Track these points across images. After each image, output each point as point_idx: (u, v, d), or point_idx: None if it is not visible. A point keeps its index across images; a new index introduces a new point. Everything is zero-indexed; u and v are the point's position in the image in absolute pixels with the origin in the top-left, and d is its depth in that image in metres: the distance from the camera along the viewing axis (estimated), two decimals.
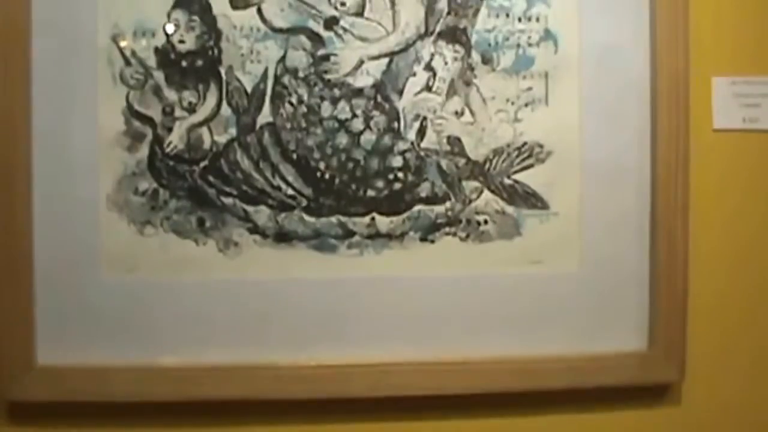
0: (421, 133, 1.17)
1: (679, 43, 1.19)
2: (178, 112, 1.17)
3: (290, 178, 1.17)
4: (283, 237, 1.17)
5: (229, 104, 1.16)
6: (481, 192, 1.18)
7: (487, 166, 1.18)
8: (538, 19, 1.18)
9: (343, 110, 1.17)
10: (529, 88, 1.18)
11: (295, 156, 1.17)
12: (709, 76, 1.22)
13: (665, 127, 1.19)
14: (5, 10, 1.14)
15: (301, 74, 1.17)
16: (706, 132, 1.22)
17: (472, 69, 1.18)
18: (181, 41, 1.16)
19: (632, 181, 1.20)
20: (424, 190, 1.18)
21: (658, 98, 1.19)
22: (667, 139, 1.19)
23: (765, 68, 1.23)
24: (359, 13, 1.17)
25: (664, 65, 1.19)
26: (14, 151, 1.15)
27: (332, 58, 1.17)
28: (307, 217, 1.17)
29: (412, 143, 1.17)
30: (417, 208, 1.18)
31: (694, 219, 1.20)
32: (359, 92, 1.17)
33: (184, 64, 1.17)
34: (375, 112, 1.17)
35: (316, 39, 1.17)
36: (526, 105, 1.18)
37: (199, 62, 1.17)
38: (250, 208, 1.17)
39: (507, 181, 1.18)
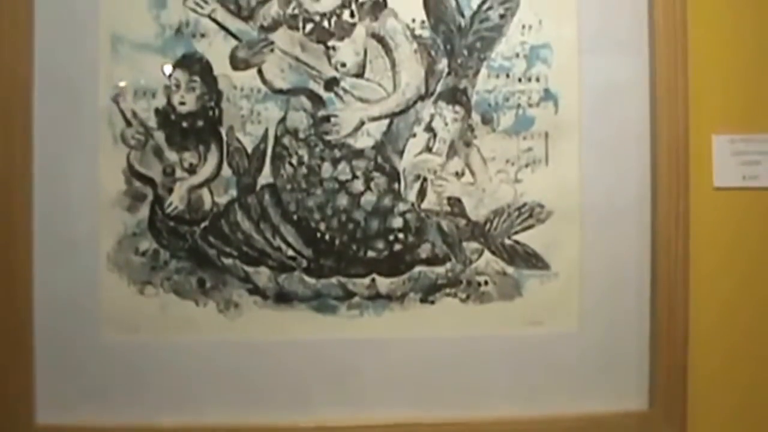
0: (422, 194, 1.17)
1: (678, 102, 1.19)
2: (178, 173, 1.17)
3: (291, 239, 1.17)
4: (283, 298, 1.17)
5: (230, 165, 1.17)
6: (482, 253, 1.18)
7: (487, 226, 1.18)
8: (538, 79, 1.19)
9: (344, 171, 1.17)
10: (530, 149, 1.18)
11: (295, 217, 1.17)
12: (709, 134, 1.22)
13: (666, 186, 1.19)
14: (8, 70, 1.15)
15: (301, 135, 1.17)
16: (706, 190, 1.22)
17: (472, 130, 1.18)
18: (182, 102, 1.17)
19: (632, 240, 1.20)
20: (424, 251, 1.18)
21: (658, 157, 1.19)
22: (668, 197, 1.19)
23: (764, 126, 1.23)
24: (360, 74, 1.17)
25: (664, 124, 1.19)
26: (15, 209, 1.16)
27: (333, 119, 1.17)
28: (307, 278, 1.17)
29: (412, 204, 1.17)
30: (417, 269, 1.18)
31: (694, 278, 1.20)
32: (360, 153, 1.17)
33: (184, 124, 1.17)
34: (375, 173, 1.17)
35: (316, 100, 1.17)
36: (527, 165, 1.18)
37: (200, 123, 1.17)
38: (250, 269, 1.17)
39: (507, 242, 1.18)
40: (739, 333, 1.22)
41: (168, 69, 1.17)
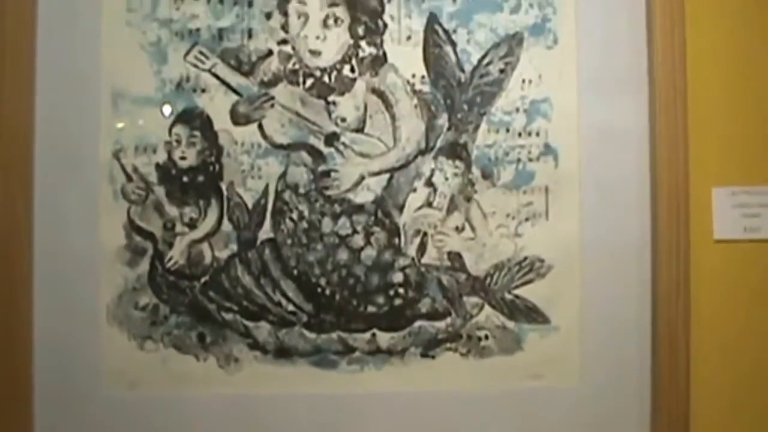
0: (422, 248, 1.17)
1: (679, 155, 1.19)
2: (179, 228, 1.17)
3: (291, 294, 1.17)
4: (283, 353, 1.17)
5: (230, 220, 1.17)
6: (482, 307, 1.18)
7: (487, 281, 1.18)
8: (538, 134, 1.19)
9: (344, 226, 1.17)
10: (530, 203, 1.18)
11: (295, 272, 1.17)
12: (709, 186, 1.22)
13: (666, 239, 1.19)
14: (9, 124, 1.15)
15: (301, 190, 1.17)
16: (707, 243, 1.21)
17: (472, 184, 1.18)
18: (183, 157, 1.17)
19: (633, 294, 1.19)
20: (424, 305, 1.18)
21: (658, 211, 1.19)
22: (668, 250, 1.19)
23: (765, 178, 1.22)
24: (360, 129, 1.17)
25: (664, 177, 1.19)
26: (16, 264, 1.16)
27: (333, 174, 1.17)
28: (307, 333, 1.17)
29: (412, 259, 1.17)
30: (418, 323, 1.17)
31: (695, 332, 1.19)
32: (360, 208, 1.17)
33: (185, 179, 1.17)
34: (376, 228, 1.17)
35: (316, 155, 1.17)
36: (527, 220, 1.18)
37: (200, 178, 1.17)
38: (250, 324, 1.17)
39: (508, 296, 1.18)
40: (741, 386, 1.22)
41: (167, 110, 1.17)
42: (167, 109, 1.17)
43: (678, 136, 1.20)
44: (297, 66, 1.17)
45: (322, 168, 1.17)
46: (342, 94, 1.17)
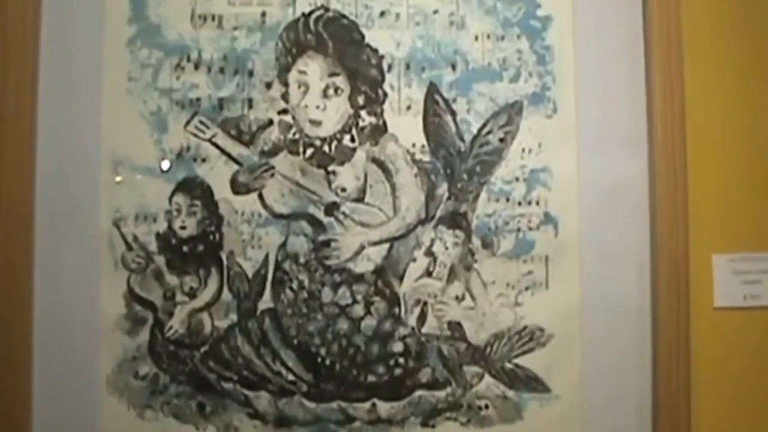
0: (422, 318, 1.17)
1: (679, 222, 1.20)
2: (179, 297, 1.17)
3: (291, 364, 1.17)
4: (283, 422, 1.17)
5: (230, 289, 1.17)
6: (482, 377, 1.18)
7: (487, 350, 1.18)
8: (538, 203, 1.19)
9: (344, 296, 1.17)
10: (530, 272, 1.19)
11: (295, 341, 1.17)
12: (709, 253, 1.22)
13: (666, 307, 1.19)
14: (9, 192, 1.16)
15: (302, 260, 1.17)
16: (706, 310, 1.21)
17: (472, 254, 1.18)
18: (183, 227, 1.17)
19: (633, 362, 1.19)
20: (425, 375, 1.17)
21: (658, 279, 1.19)
22: (668, 318, 1.19)
23: (764, 244, 1.23)
24: (360, 199, 1.17)
25: (664, 244, 1.19)
26: (16, 332, 1.15)
27: (333, 244, 1.17)
28: (307, 403, 1.17)
29: (412, 328, 1.17)
30: (418, 393, 1.17)
31: (696, 399, 1.19)
32: (360, 278, 1.17)
33: (185, 249, 1.17)
34: (376, 298, 1.17)
35: (316, 224, 1.17)
36: (527, 289, 1.18)
37: (201, 247, 1.17)
38: (250, 394, 1.17)
39: (508, 366, 1.18)
40: None
41: (166, 165, 1.17)
42: (165, 164, 1.17)
43: (678, 203, 1.20)
44: (297, 136, 1.17)
45: (322, 237, 1.17)
46: (342, 163, 1.17)
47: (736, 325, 1.22)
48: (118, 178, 1.17)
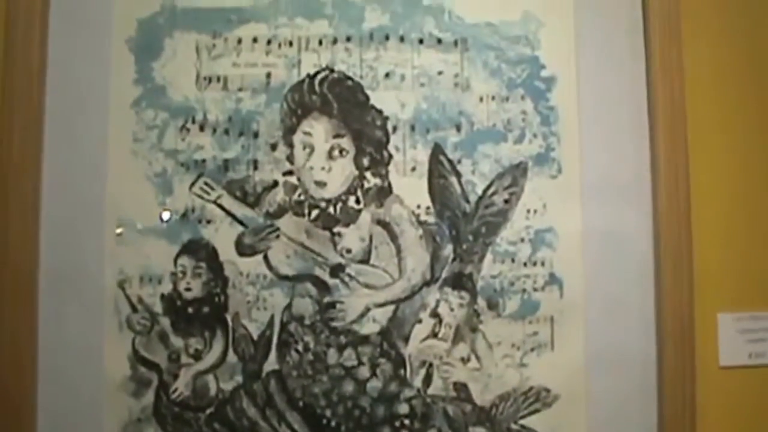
0: (428, 379, 1.17)
1: (683, 281, 1.20)
2: (184, 359, 1.17)
3: (296, 426, 1.16)
4: None
5: (236, 351, 1.17)
6: None
7: (493, 411, 1.18)
8: (543, 264, 1.19)
9: (350, 358, 1.17)
10: (535, 333, 1.19)
11: (301, 403, 1.17)
12: (714, 312, 1.22)
13: (671, 367, 1.19)
14: (14, 254, 1.15)
15: (307, 321, 1.17)
16: (712, 370, 1.21)
17: (477, 315, 1.18)
18: (188, 288, 1.17)
19: (639, 422, 1.19)
20: None
21: (663, 337, 1.19)
22: (673, 378, 1.19)
23: None
24: (365, 260, 1.17)
25: (669, 304, 1.19)
26: (20, 394, 1.15)
27: (338, 306, 1.17)
28: None
29: (418, 390, 1.17)
30: None
31: None
32: (365, 339, 1.17)
33: (190, 310, 1.17)
34: (381, 360, 1.17)
35: (322, 286, 1.17)
36: (532, 350, 1.18)
37: (206, 309, 1.17)
38: None
39: (514, 426, 1.18)
40: None
41: (166, 215, 1.17)
42: (166, 215, 1.17)
43: (682, 262, 1.20)
44: (302, 197, 1.18)
45: (327, 299, 1.17)
46: (347, 225, 1.17)
47: (742, 384, 1.22)
48: (118, 230, 1.17)
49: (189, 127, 1.18)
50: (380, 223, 1.17)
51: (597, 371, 1.19)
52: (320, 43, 1.19)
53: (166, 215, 1.17)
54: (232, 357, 1.17)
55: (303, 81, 1.19)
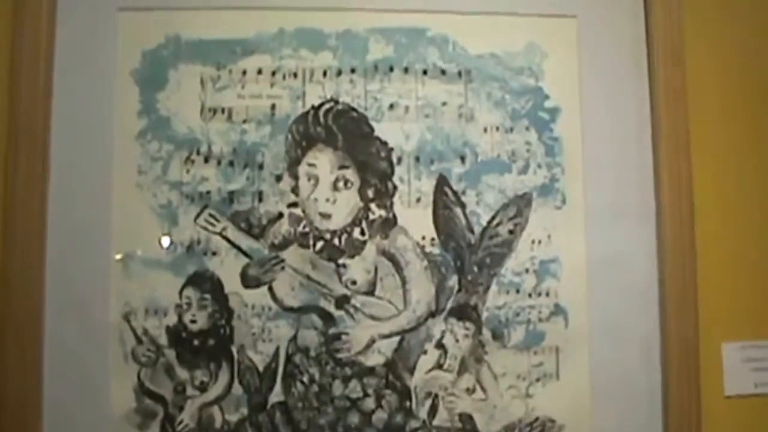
0: (433, 410, 1.17)
1: (688, 310, 1.20)
2: (189, 391, 1.17)
3: None
4: None
5: (241, 383, 1.17)
6: None
7: None
8: (548, 294, 1.19)
9: (355, 389, 1.17)
10: (540, 363, 1.19)
11: None
12: (719, 342, 1.22)
13: (676, 397, 1.19)
14: (19, 287, 1.15)
15: (312, 353, 1.17)
16: (717, 399, 1.22)
17: (483, 346, 1.18)
18: (193, 320, 1.17)
19: None
20: None
21: (668, 367, 1.19)
22: (679, 408, 1.19)
23: None
24: (370, 292, 1.17)
25: (673, 333, 1.20)
26: (25, 425, 1.14)
27: (343, 337, 1.17)
28: None
29: (424, 421, 1.17)
30: None
31: None
32: (371, 371, 1.17)
33: (195, 342, 1.17)
34: (386, 391, 1.17)
35: (327, 318, 1.17)
36: (537, 380, 1.19)
37: (211, 341, 1.17)
38: None
39: None
40: None
41: (166, 242, 1.17)
42: (166, 241, 1.17)
43: (687, 292, 1.21)
44: (307, 229, 1.18)
45: (332, 331, 1.17)
46: (352, 256, 1.18)
47: (747, 413, 1.23)
48: (118, 256, 1.16)
49: (194, 158, 1.18)
50: (385, 254, 1.18)
51: (602, 401, 1.19)
52: (325, 74, 1.20)
53: (166, 241, 1.17)
54: (237, 389, 1.17)
55: (307, 112, 1.19)
